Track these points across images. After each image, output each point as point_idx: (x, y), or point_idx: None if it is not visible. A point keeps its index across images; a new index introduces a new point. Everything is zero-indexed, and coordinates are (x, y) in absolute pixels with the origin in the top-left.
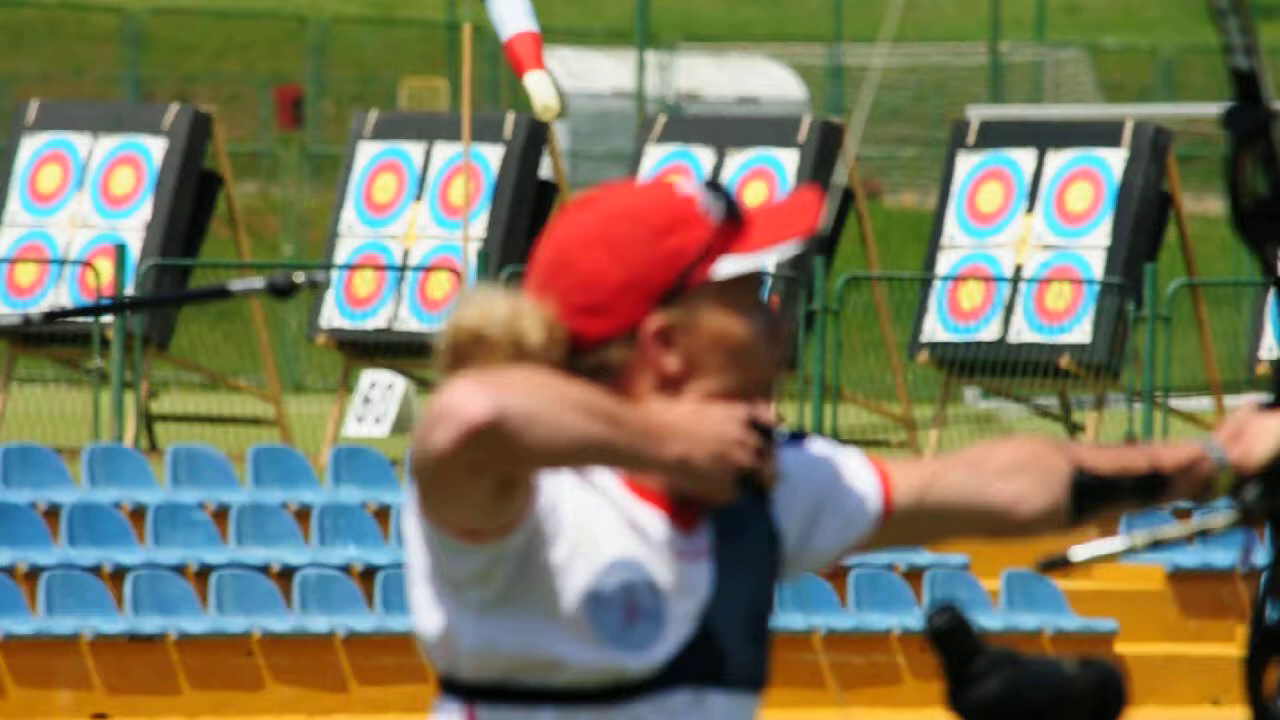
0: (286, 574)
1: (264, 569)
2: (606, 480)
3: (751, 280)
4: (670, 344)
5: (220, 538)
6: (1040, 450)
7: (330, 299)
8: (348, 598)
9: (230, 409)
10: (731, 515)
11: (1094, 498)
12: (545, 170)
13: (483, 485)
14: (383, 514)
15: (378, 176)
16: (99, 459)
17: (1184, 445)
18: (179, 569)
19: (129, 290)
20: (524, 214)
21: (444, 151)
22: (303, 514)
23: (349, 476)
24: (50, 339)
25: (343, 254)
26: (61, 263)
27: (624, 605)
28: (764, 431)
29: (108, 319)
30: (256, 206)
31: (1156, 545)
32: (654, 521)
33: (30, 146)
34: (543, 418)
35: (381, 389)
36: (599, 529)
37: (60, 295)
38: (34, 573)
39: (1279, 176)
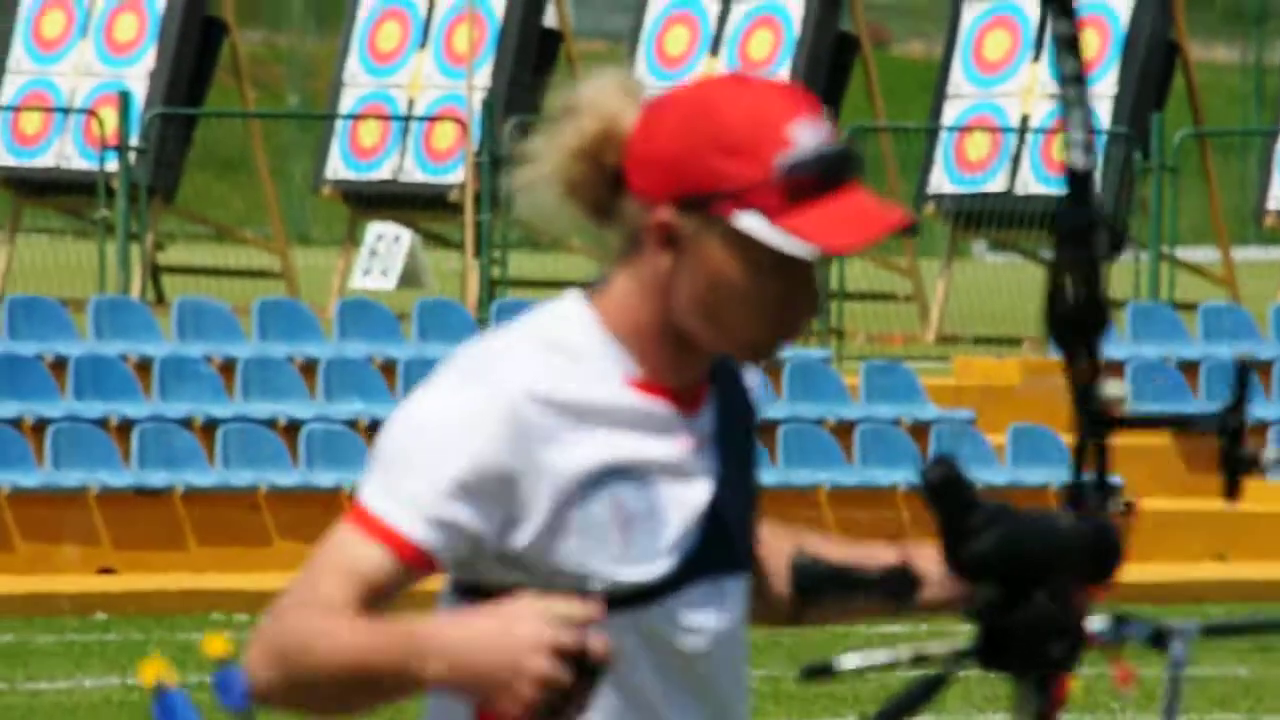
0: (293, 428)
1: (270, 423)
2: (589, 388)
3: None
4: (668, 245)
5: (226, 391)
6: (776, 532)
7: (335, 150)
8: (353, 452)
9: (237, 261)
10: (727, 398)
11: (817, 584)
12: (550, 18)
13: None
14: (388, 368)
15: (382, 24)
16: (105, 311)
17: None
18: (185, 422)
19: (133, 140)
20: (528, 63)
21: None
22: (309, 368)
23: (355, 330)
24: (56, 189)
25: (347, 103)
26: (66, 111)
27: (616, 523)
28: (580, 665)
29: (113, 168)
30: (261, 55)
31: (922, 659)
32: (655, 411)
33: None
34: (303, 673)
35: (388, 241)
36: (560, 458)
37: (65, 145)
38: (40, 425)
39: (1095, 285)
